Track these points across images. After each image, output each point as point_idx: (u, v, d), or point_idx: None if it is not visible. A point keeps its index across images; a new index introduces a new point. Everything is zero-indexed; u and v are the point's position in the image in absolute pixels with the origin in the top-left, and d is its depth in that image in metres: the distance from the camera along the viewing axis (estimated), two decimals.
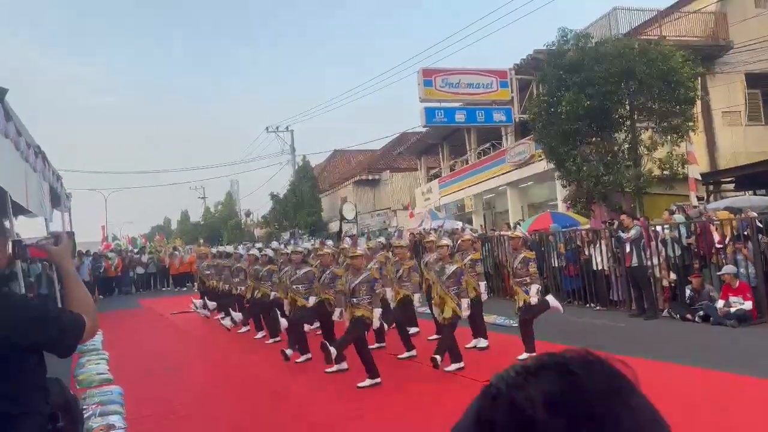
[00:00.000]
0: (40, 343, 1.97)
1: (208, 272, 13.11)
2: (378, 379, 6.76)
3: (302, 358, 8.30)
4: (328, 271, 8.18)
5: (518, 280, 7.89)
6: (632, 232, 10.44)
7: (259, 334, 10.46)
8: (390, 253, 9.75)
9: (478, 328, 8.65)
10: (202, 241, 32.98)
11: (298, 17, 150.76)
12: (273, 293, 9.52)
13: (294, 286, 8.43)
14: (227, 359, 9.49)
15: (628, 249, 10.56)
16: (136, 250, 28.20)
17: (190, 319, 13.62)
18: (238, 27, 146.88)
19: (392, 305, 8.71)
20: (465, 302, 7.55)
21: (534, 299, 7.65)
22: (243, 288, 11.03)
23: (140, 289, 23.56)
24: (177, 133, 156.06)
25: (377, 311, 6.98)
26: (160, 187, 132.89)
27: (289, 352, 8.25)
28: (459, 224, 17.60)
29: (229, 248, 13.84)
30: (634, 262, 10.46)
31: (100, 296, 20.76)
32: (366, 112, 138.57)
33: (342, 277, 7.43)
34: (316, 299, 8.29)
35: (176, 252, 24.78)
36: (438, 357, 7.09)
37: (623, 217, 10.99)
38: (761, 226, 9.42)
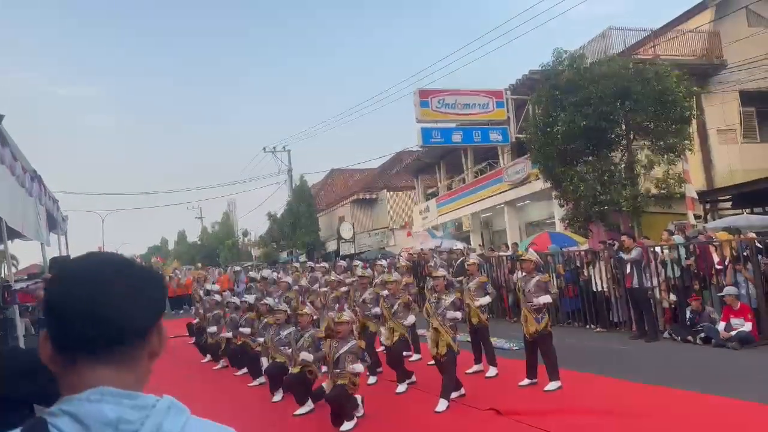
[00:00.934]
0: (31, 394, 1.91)
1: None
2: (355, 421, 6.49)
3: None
4: (307, 334, 7.25)
5: (530, 304, 7.58)
6: (633, 254, 10.37)
7: (257, 382, 9.49)
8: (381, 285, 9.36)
9: (488, 355, 8.47)
10: (200, 264, 32.80)
11: (296, 37, 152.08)
12: (256, 340, 9.10)
13: (280, 348, 7.92)
14: (223, 390, 9.35)
15: (628, 270, 10.50)
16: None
17: (186, 344, 13.46)
18: (236, 47, 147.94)
19: (387, 342, 8.36)
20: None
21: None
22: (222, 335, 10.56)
23: None
24: (174, 154, 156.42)
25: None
26: (157, 207, 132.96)
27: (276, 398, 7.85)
28: (458, 245, 17.55)
29: (216, 287, 13.27)
30: (635, 283, 10.38)
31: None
32: (364, 131, 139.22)
33: (325, 341, 6.84)
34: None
35: (174, 274, 24.61)
36: (446, 402, 6.76)
37: (624, 237, 10.94)
38: (761, 247, 9.38)
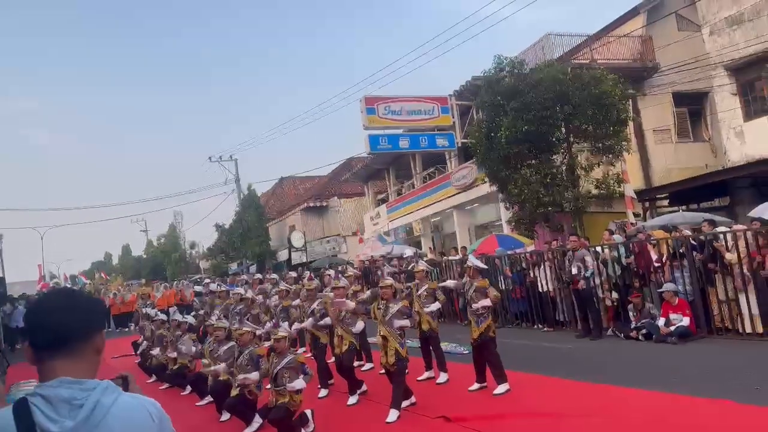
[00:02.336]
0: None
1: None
2: None
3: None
4: (246, 351, 7.07)
5: (472, 310, 7.68)
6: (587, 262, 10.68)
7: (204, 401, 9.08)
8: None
9: (438, 362, 8.50)
10: (143, 281, 31.88)
11: (240, 46, 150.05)
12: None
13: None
14: (170, 411, 9.07)
15: (575, 271, 10.68)
16: (71, 288, 27.05)
17: (133, 363, 13.05)
18: (180, 56, 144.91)
19: (337, 351, 8.30)
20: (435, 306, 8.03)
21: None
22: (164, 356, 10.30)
23: None
24: (116, 166, 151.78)
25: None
26: (100, 222, 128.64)
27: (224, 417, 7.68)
28: (408, 250, 17.63)
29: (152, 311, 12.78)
30: (582, 284, 10.60)
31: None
32: (313, 138, 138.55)
33: (264, 357, 6.78)
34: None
35: (118, 291, 23.84)
36: (397, 412, 6.74)
37: (572, 238, 11.18)
38: (695, 243, 9.76)
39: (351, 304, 7.27)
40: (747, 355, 8.06)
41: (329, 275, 10.02)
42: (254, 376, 6.65)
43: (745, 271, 8.99)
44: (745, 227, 9.45)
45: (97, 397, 1.50)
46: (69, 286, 30.02)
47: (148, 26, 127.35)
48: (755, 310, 8.96)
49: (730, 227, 9.91)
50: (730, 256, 9.10)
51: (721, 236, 9.37)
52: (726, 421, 5.40)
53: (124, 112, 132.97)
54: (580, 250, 10.75)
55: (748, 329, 9.03)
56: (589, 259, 10.65)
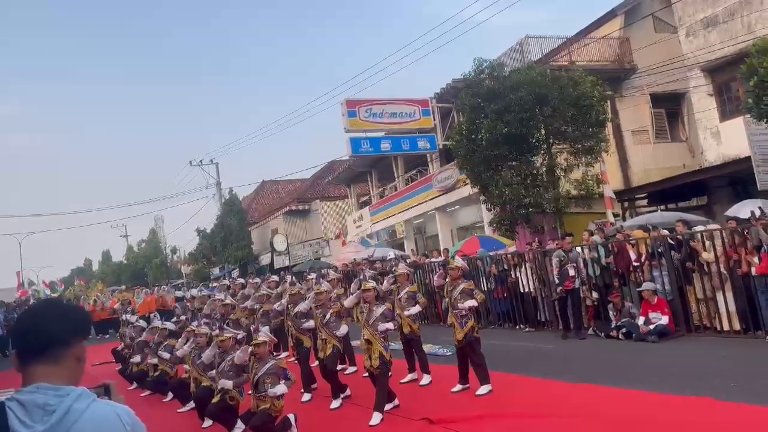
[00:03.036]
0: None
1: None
2: None
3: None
4: (228, 358, 6.94)
5: (455, 311, 7.66)
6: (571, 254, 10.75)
7: (186, 408, 8.97)
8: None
9: (421, 364, 8.51)
10: (123, 287, 31.51)
11: (220, 50, 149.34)
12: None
13: (202, 372, 7.60)
14: (152, 418, 8.99)
15: (572, 272, 10.62)
16: (54, 296, 26.72)
17: (112, 371, 12.89)
18: (160, 57, 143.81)
19: (321, 354, 8.29)
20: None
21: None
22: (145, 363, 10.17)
23: None
24: (96, 171, 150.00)
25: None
26: (80, 228, 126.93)
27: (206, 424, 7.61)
28: (391, 252, 17.64)
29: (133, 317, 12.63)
30: (576, 284, 10.59)
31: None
32: (295, 141, 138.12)
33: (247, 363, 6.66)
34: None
35: (98, 298, 23.55)
36: (380, 415, 6.73)
37: (568, 239, 11.18)
38: (673, 243, 9.89)
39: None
40: (724, 352, 8.18)
41: (311, 279, 9.99)
42: (229, 383, 6.60)
43: (722, 269, 9.14)
44: (720, 226, 9.60)
45: (70, 403, 1.53)
46: (48, 293, 29.63)
47: (131, 28, 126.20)
48: (732, 308, 9.11)
49: (705, 226, 10.06)
50: (707, 256, 9.25)
51: (698, 236, 9.52)
52: (704, 418, 5.48)
53: (102, 116, 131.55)
54: (573, 250, 10.77)
55: (726, 327, 9.18)
56: (581, 259, 10.79)
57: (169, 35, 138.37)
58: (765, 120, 10.49)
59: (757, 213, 8.91)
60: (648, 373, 7.52)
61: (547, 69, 15.28)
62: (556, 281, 10.76)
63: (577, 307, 10.78)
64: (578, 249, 11.15)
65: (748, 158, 12.96)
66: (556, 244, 11.22)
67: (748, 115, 11.37)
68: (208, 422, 7.48)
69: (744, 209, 10.09)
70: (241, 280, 14.47)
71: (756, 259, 8.57)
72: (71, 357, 1.65)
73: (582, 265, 10.89)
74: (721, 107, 17.12)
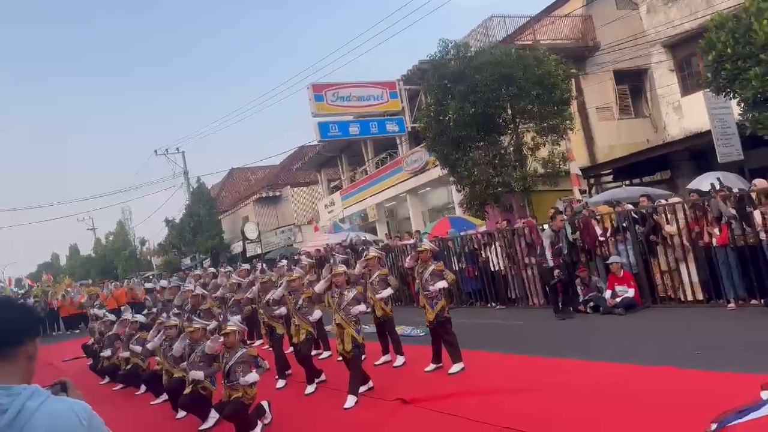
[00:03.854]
0: None
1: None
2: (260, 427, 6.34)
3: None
4: (198, 348, 6.88)
5: (426, 293, 7.72)
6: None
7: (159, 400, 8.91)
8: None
9: (394, 345, 8.58)
10: (90, 281, 30.96)
11: (182, 36, 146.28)
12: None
13: (174, 363, 7.58)
14: (125, 410, 8.92)
15: (566, 250, 10.67)
16: (21, 293, 26.16)
17: (83, 366, 12.71)
18: (120, 47, 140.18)
19: (294, 340, 8.29)
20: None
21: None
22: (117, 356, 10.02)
23: None
24: (59, 164, 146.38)
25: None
26: (45, 222, 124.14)
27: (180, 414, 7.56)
28: (364, 236, 17.68)
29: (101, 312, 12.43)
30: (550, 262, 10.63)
31: None
32: (263, 127, 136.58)
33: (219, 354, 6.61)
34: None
35: (66, 293, 23.08)
36: (355, 398, 6.79)
37: (560, 217, 11.19)
38: (637, 217, 10.10)
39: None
40: (688, 322, 8.41)
41: (282, 266, 9.96)
42: (199, 374, 6.57)
43: (684, 241, 9.37)
44: (681, 200, 9.81)
45: (22, 402, 1.51)
46: (14, 290, 28.96)
47: (89, 17, 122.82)
48: (695, 279, 9.35)
49: (666, 200, 10.27)
50: (670, 228, 9.46)
51: (661, 209, 9.72)
52: (669, 387, 5.62)
53: (64, 107, 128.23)
54: (561, 230, 10.65)
55: (690, 297, 9.43)
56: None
57: (130, 20, 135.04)
58: (724, 94, 10.71)
59: (717, 185, 9.13)
60: (615, 345, 7.70)
61: (512, 48, 15.32)
62: (550, 262, 10.41)
63: (549, 283, 10.76)
64: (545, 226, 11.29)
65: (708, 132, 13.25)
66: (524, 223, 11.34)
67: (708, 90, 11.60)
68: (181, 414, 7.45)
69: (705, 182, 10.33)
70: (213, 270, 14.33)
71: (717, 230, 8.80)
72: (23, 356, 1.64)
73: (537, 241, 10.75)
74: (683, 82, 17.42)
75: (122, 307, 12.47)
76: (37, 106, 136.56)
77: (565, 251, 10.49)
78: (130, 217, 50.52)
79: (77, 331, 20.57)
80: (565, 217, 11.22)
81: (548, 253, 10.43)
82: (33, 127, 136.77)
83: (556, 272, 10.33)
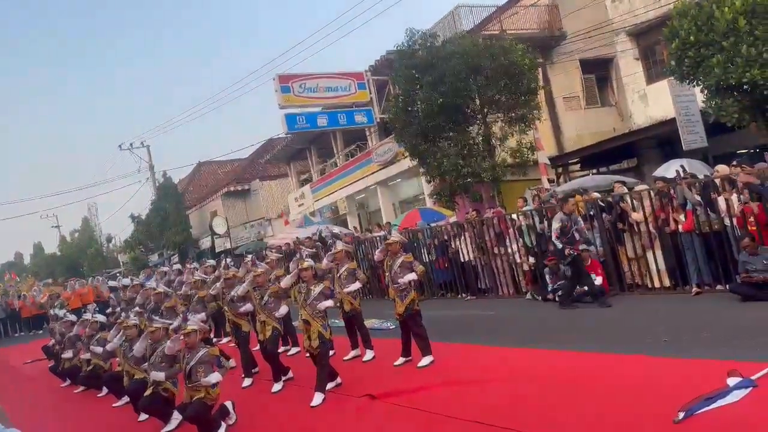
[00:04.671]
0: None
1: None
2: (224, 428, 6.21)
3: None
4: (159, 349, 6.65)
5: (396, 285, 7.59)
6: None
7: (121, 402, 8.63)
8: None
9: (363, 339, 8.48)
10: (50, 281, 30.17)
11: (148, 27, 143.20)
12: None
13: (134, 364, 7.39)
14: (88, 413, 8.64)
15: (578, 236, 10.29)
16: None
17: (44, 367, 12.33)
18: (82, 40, 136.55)
19: (261, 337, 8.10)
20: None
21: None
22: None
23: None
24: (20, 161, 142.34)
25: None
26: (7, 220, 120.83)
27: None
28: (336, 229, 17.47)
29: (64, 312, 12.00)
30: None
31: None
32: (230, 119, 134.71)
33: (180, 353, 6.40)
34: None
35: (27, 294, 22.42)
36: (322, 395, 6.65)
37: (571, 201, 10.82)
38: (604, 205, 10.13)
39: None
40: (656, 308, 8.47)
41: (248, 261, 9.72)
42: (160, 375, 6.36)
43: (651, 229, 9.42)
44: (647, 187, 9.86)
45: None
46: None
47: (50, 5, 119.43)
48: (662, 266, 9.42)
49: (632, 188, 10.32)
50: (636, 216, 9.50)
51: (627, 197, 9.76)
52: (637, 374, 5.60)
53: (22, 101, 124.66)
54: (574, 214, 9.87)
55: (657, 284, 9.50)
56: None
57: (90, 9, 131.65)
58: (687, 81, 10.78)
59: (681, 172, 9.19)
60: (584, 334, 7.70)
61: (479, 38, 15.25)
62: (559, 247, 9.61)
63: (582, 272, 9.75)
64: (514, 216, 11.28)
65: (673, 120, 13.39)
66: (493, 212, 11.31)
67: (672, 78, 11.68)
68: (144, 416, 7.22)
69: (670, 169, 10.40)
70: (178, 266, 14.02)
71: (682, 217, 8.85)
72: None
73: (582, 226, 9.86)
74: (647, 71, 17.60)
75: (87, 307, 12.14)
76: None
77: (577, 237, 9.60)
78: (96, 214, 49.51)
79: (40, 332, 20.01)
80: (574, 199, 10.56)
81: (555, 237, 9.65)
82: None
83: (567, 251, 9.50)
